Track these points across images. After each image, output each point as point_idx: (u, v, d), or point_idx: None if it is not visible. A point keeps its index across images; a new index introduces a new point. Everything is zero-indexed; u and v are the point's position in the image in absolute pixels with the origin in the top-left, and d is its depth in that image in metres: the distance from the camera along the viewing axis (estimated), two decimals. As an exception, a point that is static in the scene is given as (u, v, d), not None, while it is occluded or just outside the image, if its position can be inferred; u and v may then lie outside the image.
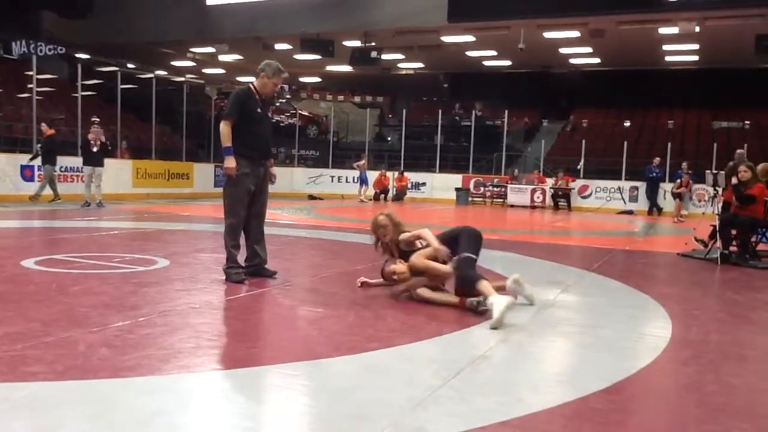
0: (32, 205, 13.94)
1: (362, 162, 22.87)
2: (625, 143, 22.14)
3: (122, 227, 10.49)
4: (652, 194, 20.31)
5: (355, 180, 23.71)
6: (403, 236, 5.21)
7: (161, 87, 21.79)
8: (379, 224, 5.27)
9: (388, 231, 5.23)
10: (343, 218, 14.17)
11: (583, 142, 22.86)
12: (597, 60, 25.16)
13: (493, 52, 24.68)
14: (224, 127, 5.44)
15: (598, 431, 2.70)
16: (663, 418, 3.02)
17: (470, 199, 23.13)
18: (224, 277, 5.53)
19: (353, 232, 10.60)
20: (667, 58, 24.15)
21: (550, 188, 21.89)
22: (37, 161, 14.86)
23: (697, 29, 18.58)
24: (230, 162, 5.42)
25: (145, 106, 20.49)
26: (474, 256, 4.86)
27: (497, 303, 4.30)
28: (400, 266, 5.05)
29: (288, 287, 5.49)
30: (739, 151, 16.15)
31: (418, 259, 4.96)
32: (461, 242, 4.95)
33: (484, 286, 4.55)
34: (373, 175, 23.03)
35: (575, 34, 20.70)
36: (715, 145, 20.82)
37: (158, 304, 4.59)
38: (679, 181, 18.38)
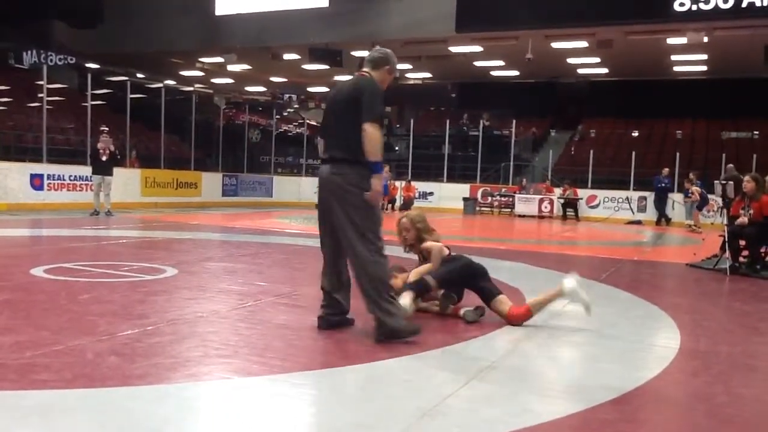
0: (37, 214, 14.02)
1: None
2: (634, 153, 22.09)
3: (131, 236, 10.54)
4: (660, 204, 20.24)
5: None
6: (424, 245, 5.20)
7: (170, 96, 21.92)
8: (401, 226, 5.29)
9: (410, 234, 5.24)
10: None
11: (592, 152, 22.83)
12: (605, 70, 25.15)
13: (501, 62, 24.72)
14: (377, 133, 3.94)
15: (607, 442, 2.69)
16: (672, 429, 3.01)
17: (478, 208, 23.10)
18: (382, 336, 4.02)
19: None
20: (676, 68, 24.13)
21: (559, 198, 21.84)
22: None
23: (706, 39, 18.55)
24: (380, 183, 3.98)
25: (154, 115, 20.61)
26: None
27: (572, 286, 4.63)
28: (397, 281, 5.04)
29: (296, 296, 5.50)
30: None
31: (413, 276, 4.97)
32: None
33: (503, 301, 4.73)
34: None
35: (583, 44, 20.71)
36: (723, 155, 20.74)
37: (166, 313, 4.61)
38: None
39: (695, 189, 17.66)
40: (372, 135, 3.90)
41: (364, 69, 4.26)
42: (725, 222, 8.87)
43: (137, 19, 23.24)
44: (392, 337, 4.00)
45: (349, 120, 3.96)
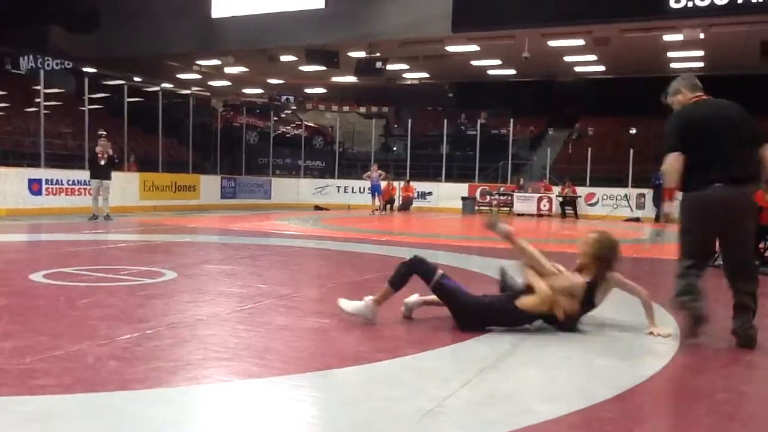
0: (36, 219, 14.01)
1: (368, 173, 22.48)
2: (632, 150, 22.11)
3: (129, 240, 10.53)
4: (658, 201, 20.25)
5: (362, 190, 23.77)
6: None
7: (167, 100, 21.94)
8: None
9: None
10: (349, 228, 14.17)
11: (590, 149, 22.84)
12: (602, 68, 25.16)
13: (498, 61, 24.73)
14: None
15: (608, 440, 2.69)
16: (673, 426, 3.01)
17: (476, 208, 23.12)
18: None
19: (359, 243, 10.61)
20: (673, 65, 24.13)
21: (557, 196, 21.85)
22: None
23: (702, 36, 18.57)
24: None
25: (151, 118, 20.62)
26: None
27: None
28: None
29: (295, 298, 5.50)
30: None
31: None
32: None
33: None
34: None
35: (580, 42, 20.72)
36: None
37: (166, 317, 4.60)
38: None
39: None
40: None
41: (700, 94, 5.04)
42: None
43: (134, 22, 23.22)
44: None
45: (748, 144, 4.44)
